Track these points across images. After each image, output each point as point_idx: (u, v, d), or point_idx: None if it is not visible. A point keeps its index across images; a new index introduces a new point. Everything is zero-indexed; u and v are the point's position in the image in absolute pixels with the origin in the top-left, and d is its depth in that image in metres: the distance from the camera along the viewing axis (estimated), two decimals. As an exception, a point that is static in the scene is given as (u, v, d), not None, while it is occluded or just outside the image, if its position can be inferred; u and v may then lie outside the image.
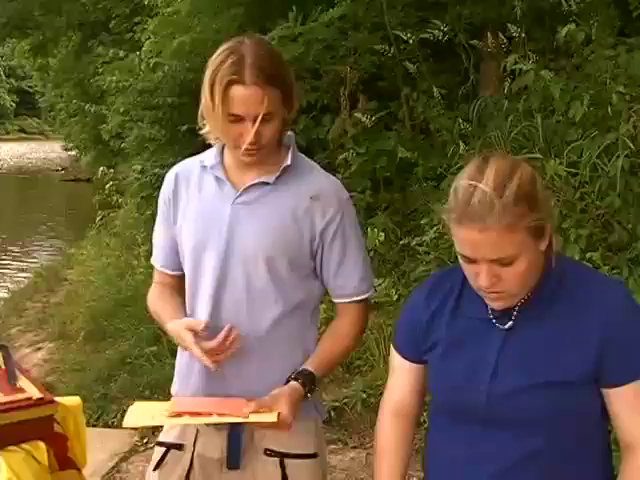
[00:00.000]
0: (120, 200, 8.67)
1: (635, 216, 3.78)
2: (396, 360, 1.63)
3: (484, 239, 1.32)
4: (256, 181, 1.79)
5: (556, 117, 4.37)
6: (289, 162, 1.80)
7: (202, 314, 1.79)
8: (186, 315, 1.83)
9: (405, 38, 4.94)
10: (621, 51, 4.13)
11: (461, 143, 4.64)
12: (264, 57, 1.69)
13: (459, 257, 1.42)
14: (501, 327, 1.46)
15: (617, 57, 4.11)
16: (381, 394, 3.73)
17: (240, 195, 1.79)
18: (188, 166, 1.90)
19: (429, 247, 4.44)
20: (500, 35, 4.77)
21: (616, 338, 1.39)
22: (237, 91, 1.65)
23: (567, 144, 4.11)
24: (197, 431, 1.84)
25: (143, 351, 4.85)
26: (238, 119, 1.68)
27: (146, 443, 3.83)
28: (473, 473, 1.48)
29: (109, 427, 4.12)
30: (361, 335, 1.92)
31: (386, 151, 5.21)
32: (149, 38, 6.70)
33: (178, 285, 1.92)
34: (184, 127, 6.38)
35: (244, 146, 1.70)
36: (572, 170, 3.80)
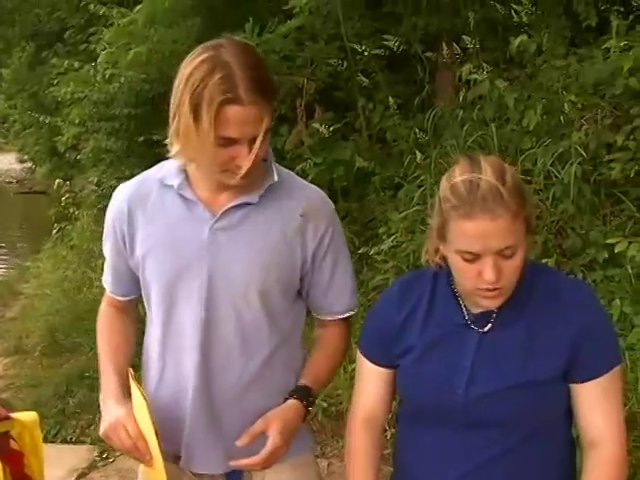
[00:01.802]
0: (77, 212, 8.56)
1: (588, 222, 3.86)
2: (365, 366, 1.62)
3: (494, 228, 1.34)
4: (237, 202, 1.57)
5: (510, 126, 4.45)
6: (276, 178, 1.59)
7: (189, 365, 1.60)
8: (131, 353, 1.72)
9: (360, 50, 4.98)
10: (572, 61, 4.22)
11: (417, 152, 4.69)
12: (254, 67, 1.45)
13: (456, 259, 1.41)
14: (479, 330, 1.48)
15: (568, 67, 4.20)
16: (341, 403, 3.79)
17: (219, 219, 1.57)
18: (142, 186, 1.65)
19: (387, 256, 4.47)
20: (454, 45, 4.84)
21: (586, 336, 1.44)
22: (233, 112, 1.41)
23: (521, 152, 4.18)
24: None
25: (101, 365, 4.79)
26: (230, 141, 1.45)
27: (105, 458, 3.78)
28: (445, 473, 1.49)
29: (67, 443, 4.06)
30: (346, 350, 1.77)
31: (343, 161, 5.22)
32: (104, 49, 6.64)
33: (129, 308, 1.79)
34: (141, 138, 6.33)
35: (241, 171, 1.48)
36: (526, 177, 3.86)
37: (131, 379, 1.62)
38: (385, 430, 1.69)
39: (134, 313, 1.82)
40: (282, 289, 1.60)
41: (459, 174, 1.39)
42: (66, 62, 7.13)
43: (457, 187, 1.37)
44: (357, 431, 1.62)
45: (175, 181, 1.59)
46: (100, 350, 1.74)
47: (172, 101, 1.49)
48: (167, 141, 1.54)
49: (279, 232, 1.58)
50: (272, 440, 1.52)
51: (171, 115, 1.50)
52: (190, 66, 1.45)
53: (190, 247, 1.57)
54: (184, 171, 1.59)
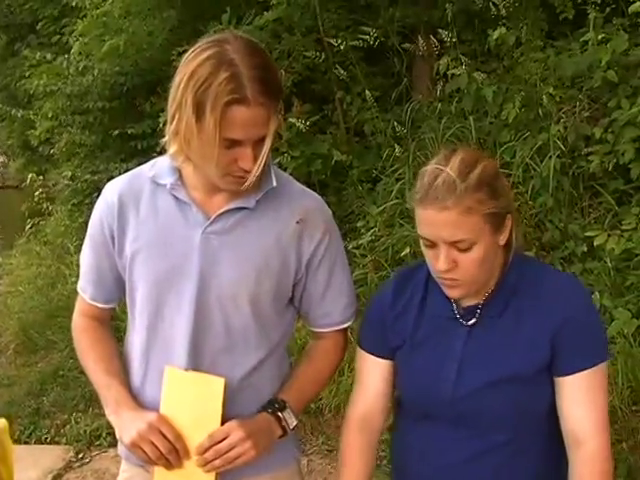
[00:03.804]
0: (50, 208, 8.44)
1: (567, 215, 3.86)
2: (364, 360, 1.60)
3: (443, 220, 1.36)
4: (232, 206, 1.51)
5: (489, 119, 4.43)
6: (274, 184, 1.52)
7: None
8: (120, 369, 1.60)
9: (336, 44, 4.95)
10: (550, 53, 4.22)
11: (396, 145, 4.67)
12: (261, 66, 1.37)
13: (421, 243, 1.44)
14: (466, 324, 1.49)
15: (546, 59, 4.19)
16: (321, 399, 3.76)
17: (212, 223, 1.51)
18: (134, 184, 1.57)
19: (366, 250, 4.44)
20: (432, 38, 4.82)
21: (569, 329, 1.42)
22: (239, 113, 1.34)
23: (500, 145, 4.17)
24: None
25: (76, 363, 4.66)
26: (233, 143, 1.38)
27: (81, 458, 3.72)
28: (432, 465, 1.50)
29: (42, 443, 3.99)
30: (340, 362, 1.70)
31: (321, 154, 5.19)
32: (77, 40, 6.54)
33: (108, 320, 1.71)
34: (116, 132, 6.25)
35: (251, 176, 1.42)
36: (505, 171, 3.86)
37: (186, 372, 1.52)
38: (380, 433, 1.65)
39: (110, 328, 1.73)
40: (273, 297, 1.54)
41: (431, 163, 1.42)
42: (38, 54, 7.02)
43: (422, 175, 1.41)
44: (352, 431, 1.60)
45: (168, 180, 1.52)
46: (90, 365, 1.63)
47: (171, 99, 1.41)
48: (164, 140, 1.47)
49: (273, 239, 1.52)
50: (228, 424, 1.45)
51: (170, 113, 1.42)
52: (193, 63, 1.37)
53: (181, 250, 1.51)
54: (178, 170, 1.52)
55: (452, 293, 1.46)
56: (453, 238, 1.37)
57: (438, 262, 1.40)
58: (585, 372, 1.43)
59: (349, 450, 1.60)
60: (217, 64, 1.34)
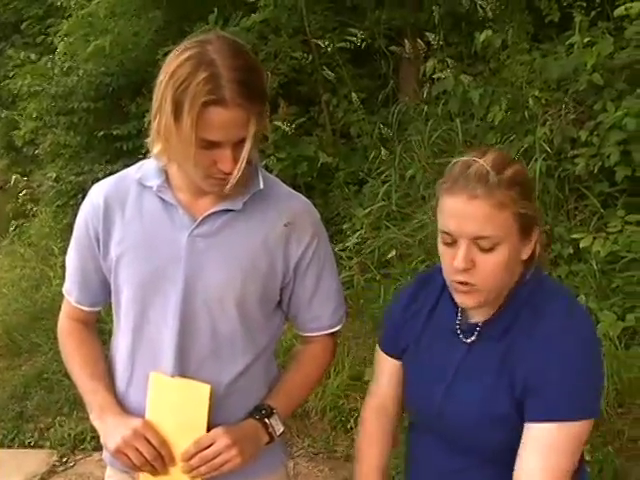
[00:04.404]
0: (35, 209, 8.38)
1: (553, 218, 3.87)
2: (379, 358, 1.63)
3: (471, 210, 1.29)
4: (219, 208, 1.49)
5: (475, 121, 4.44)
6: (261, 186, 1.51)
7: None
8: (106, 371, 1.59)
9: (323, 46, 4.95)
10: (536, 56, 4.23)
11: (382, 147, 4.67)
12: (243, 66, 1.35)
13: (440, 241, 1.36)
14: (465, 341, 1.44)
15: (532, 62, 4.20)
16: (307, 402, 3.73)
17: (199, 225, 1.49)
18: (120, 186, 1.55)
19: (352, 252, 4.44)
20: (418, 40, 4.83)
21: (540, 373, 1.31)
22: (216, 114, 1.32)
23: (486, 148, 4.17)
24: None
25: (60, 366, 4.64)
26: (212, 144, 1.36)
27: (65, 462, 3.68)
28: (428, 474, 1.51)
29: (25, 447, 3.94)
30: (328, 366, 1.71)
31: (307, 156, 5.19)
32: (62, 40, 6.51)
33: (94, 323, 1.70)
34: (101, 133, 6.22)
35: (231, 179, 1.40)
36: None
37: (172, 378, 1.50)
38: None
39: (96, 330, 1.72)
40: (260, 299, 1.52)
41: (463, 157, 1.37)
42: (23, 54, 6.98)
43: (452, 166, 1.36)
44: (369, 417, 1.63)
45: (154, 182, 1.51)
46: (76, 368, 1.61)
47: (154, 98, 1.40)
48: (148, 140, 1.45)
49: (260, 242, 1.50)
50: (214, 431, 1.44)
51: (152, 113, 1.41)
52: (174, 63, 1.36)
53: (167, 252, 1.49)
54: (164, 172, 1.51)
55: (465, 301, 1.37)
56: (479, 233, 1.29)
57: (455, 259, 1.31)
58: (545, 425, 1.29)
59: (366, 437, 1.62)
60: (197, 64, 1.33)
